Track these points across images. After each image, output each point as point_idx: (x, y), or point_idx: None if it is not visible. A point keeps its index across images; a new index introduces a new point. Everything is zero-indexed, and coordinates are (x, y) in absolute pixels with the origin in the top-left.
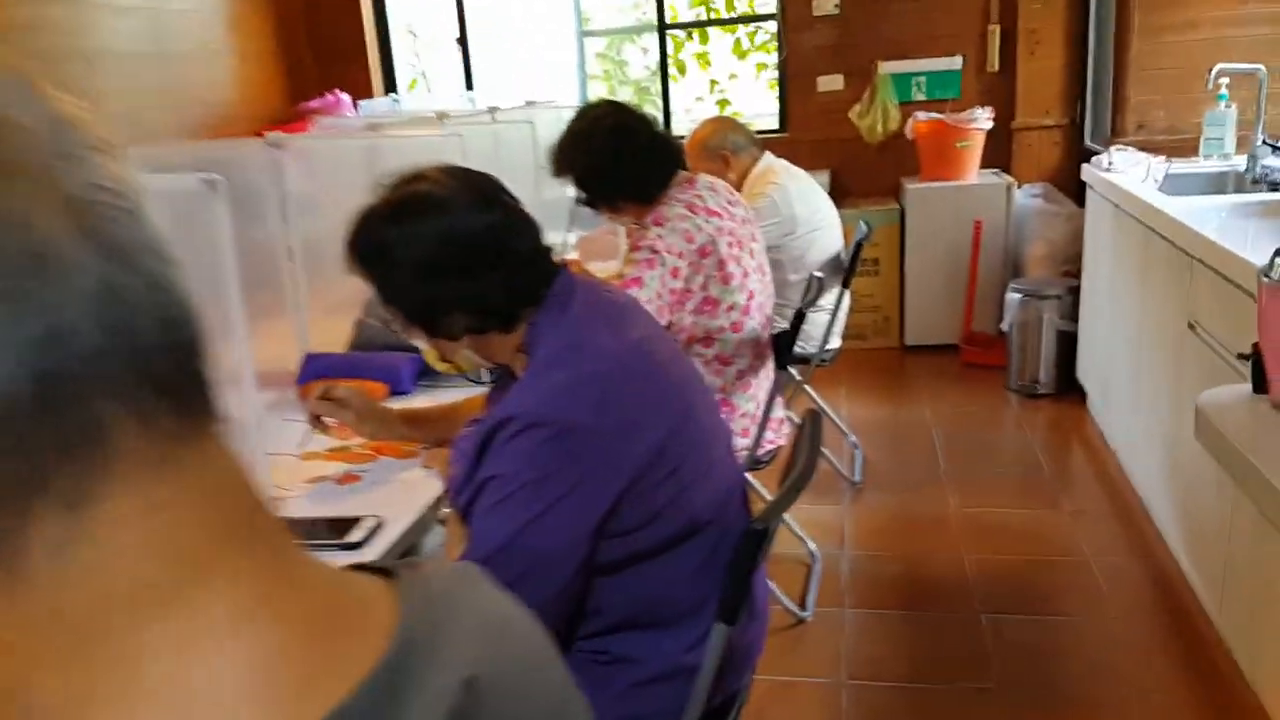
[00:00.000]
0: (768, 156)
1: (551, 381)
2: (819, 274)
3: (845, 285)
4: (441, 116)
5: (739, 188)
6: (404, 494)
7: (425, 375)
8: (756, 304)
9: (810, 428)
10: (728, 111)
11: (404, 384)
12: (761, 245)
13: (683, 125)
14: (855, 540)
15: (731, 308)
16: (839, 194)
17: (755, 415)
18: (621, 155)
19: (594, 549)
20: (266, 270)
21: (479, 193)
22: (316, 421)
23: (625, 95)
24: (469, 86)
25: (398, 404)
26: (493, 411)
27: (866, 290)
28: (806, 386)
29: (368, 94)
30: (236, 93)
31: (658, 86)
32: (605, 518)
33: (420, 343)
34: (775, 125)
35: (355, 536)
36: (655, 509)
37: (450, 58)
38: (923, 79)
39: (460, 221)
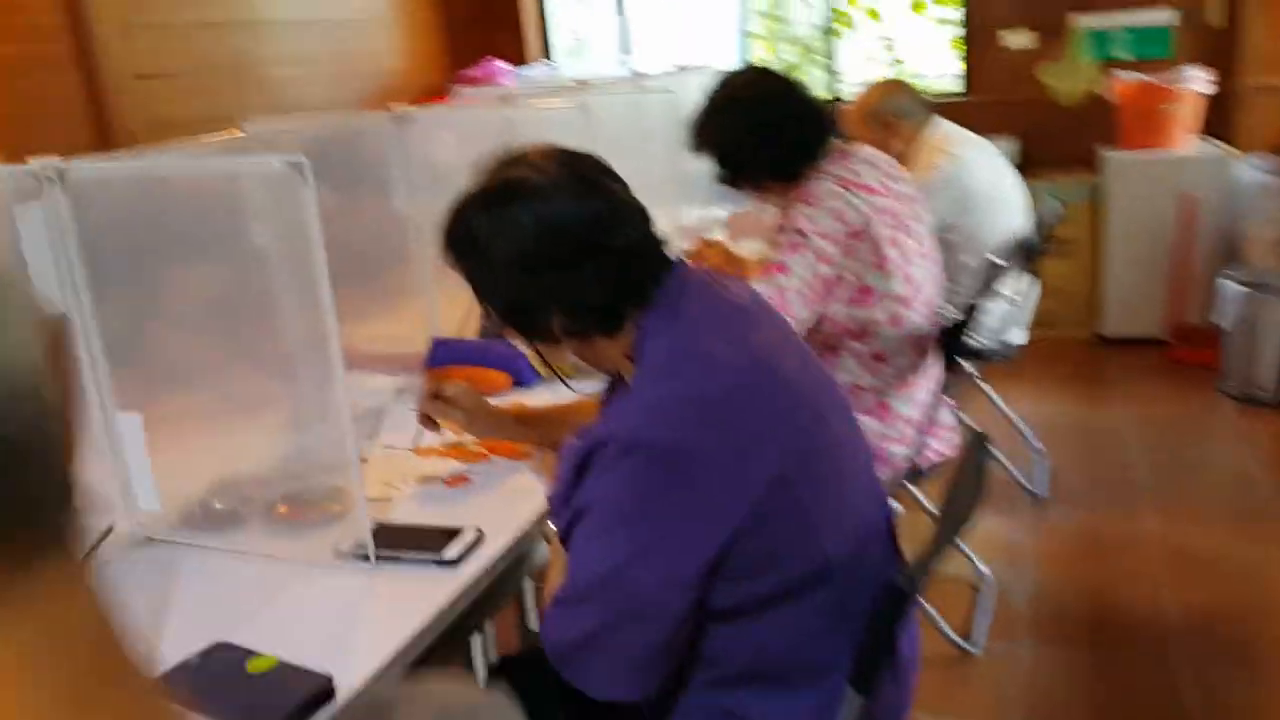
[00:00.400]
0: (941, 123)
1: (657, 397)
2: (997, 258)
3: (1032, 270)
4: (579, 85)
5: (907, 158)
6: (511, 502)
7: None
8: (919, 294)
9: (975, 453)
10: (900, 71)
11: (527, 375)
12: (928, 226)
13: (852, 86)
14: (1035, 564)
15: (890, 297)
16: (1028, 164)
17: (916, 420)
18: (764, 128)
19: (705, 591)
20: (395, 248)
21: (579, 177)
22: (426, 421)
23: (788, 55)
24: (626, 50)
25: (517, 397)
26: (596, 425)
27: (1057, 273)
28: (982, 384)
29: (523, 61)
30: (398, 63)
31: (824, 45)
32: (718, 556)
33: (520, 344)
34: (956, 87)
35: (452, 553)
36: (777, 548)
37: (608, 20)
38: (1127, 35)
39: (557, 209)
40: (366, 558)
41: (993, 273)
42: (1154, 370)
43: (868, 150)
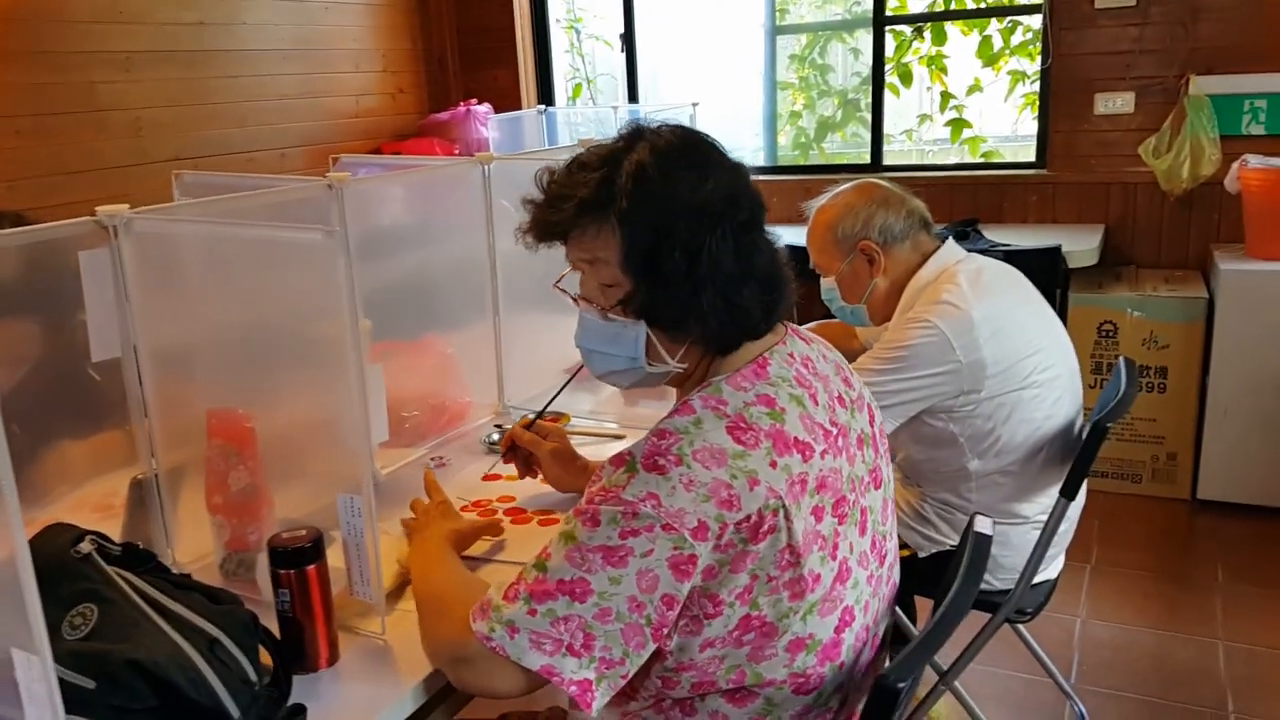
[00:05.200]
0: (947, 250)
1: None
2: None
3: (1067, 493)
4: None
5: (888, 307)
6: None
7: None
8: (855, 631)
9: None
10: (967, 136)
11: None
12: (889, 480)
13: (899, 153)
14: None
15: (801, 643)
16: (1113, 262)
17: None
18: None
19: None
20: None
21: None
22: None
23: (826, 109)
24: (632, 96)
25: None
26: None
27: (1146, 412)
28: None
29: (515, 103)
30: (377, 101)
31: (869, 99)
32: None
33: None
34: (1029, 158)
35: None
36: None
37: (616, 59)
38: (1262, 103)
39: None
40: None
41: (973, 542)
42: (1268, 554)
43: (808, 346)
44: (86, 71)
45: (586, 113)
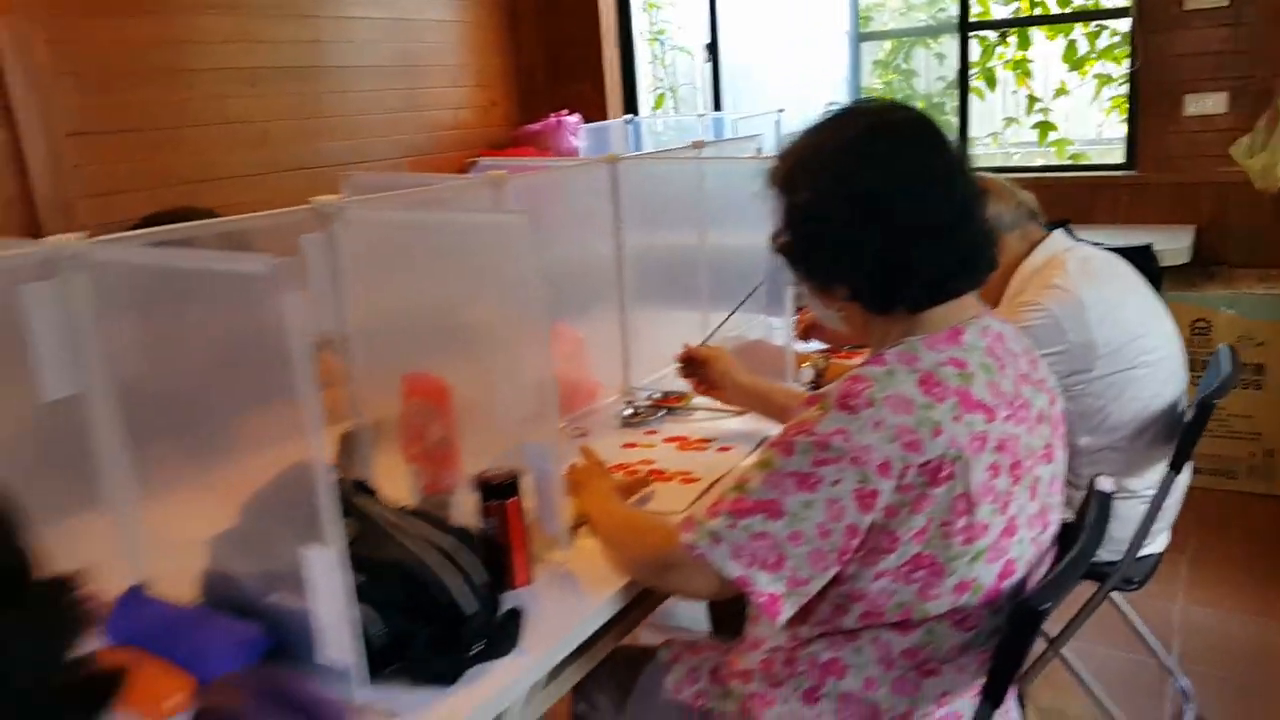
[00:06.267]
0: (1055, 239)
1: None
2: (1104, 484)
3: (1175, 466)
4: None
5: (998, 292)
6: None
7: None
8: (1015, 583)
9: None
10: (1053, 139)
11: (212, 673)
12: (1061, 460)
13: (985, 156)
14: None
15: (966, 586)
16: (1206, 261)
17: None
18: (874, 209)
19: None
20: None
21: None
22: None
23: None
24: (717, 104)
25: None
26: None
27: (1242, 409)
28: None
29: (601, 113)
30: (472, 114)
31: (954, 103)
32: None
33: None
34: (1119, 159)
35: None
36: None
37: (701, 69)
38: None
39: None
40: None
41: (1096, 504)
42: None
43: (999, 324)
44: (218, 87)
45: (670, 121)
